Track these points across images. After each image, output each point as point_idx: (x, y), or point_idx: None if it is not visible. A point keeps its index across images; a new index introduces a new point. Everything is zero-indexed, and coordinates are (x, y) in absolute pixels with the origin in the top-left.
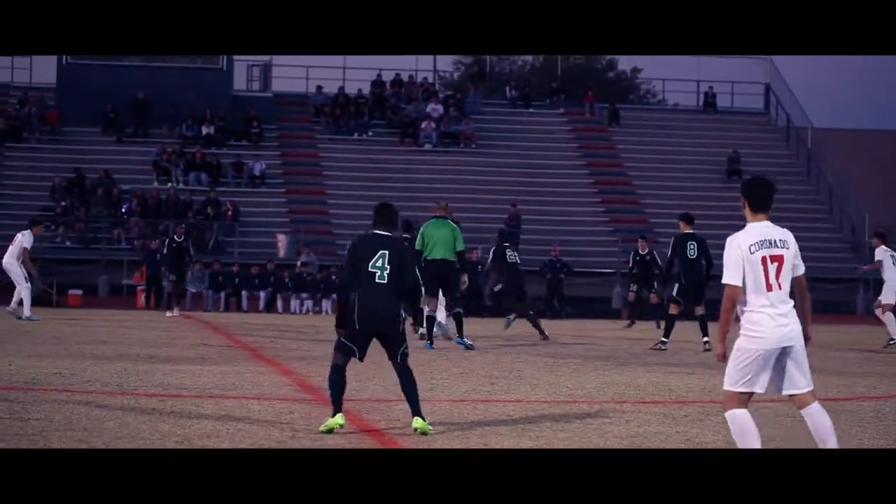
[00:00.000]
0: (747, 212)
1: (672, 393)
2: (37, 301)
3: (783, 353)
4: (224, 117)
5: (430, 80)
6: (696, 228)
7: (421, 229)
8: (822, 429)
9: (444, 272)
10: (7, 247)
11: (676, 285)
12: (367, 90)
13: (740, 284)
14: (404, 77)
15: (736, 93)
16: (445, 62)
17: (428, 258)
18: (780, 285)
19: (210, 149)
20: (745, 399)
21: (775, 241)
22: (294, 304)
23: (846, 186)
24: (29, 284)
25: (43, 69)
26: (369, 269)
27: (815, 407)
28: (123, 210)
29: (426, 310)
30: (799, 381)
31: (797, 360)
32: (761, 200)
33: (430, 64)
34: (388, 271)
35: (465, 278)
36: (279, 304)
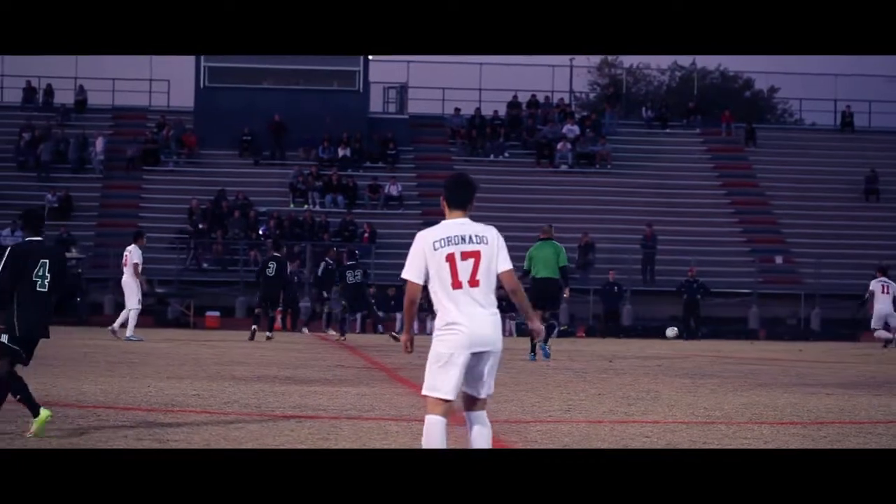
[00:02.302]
0: (445, 209)
1: (811, 414)
2: (175, 323)
3: (477, 358)
4: (360, 139)
5: (566, 100)
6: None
7: (528, 252)
8: (480, 438)
9: (549, 289)
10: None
11: None
12: (502, 112)
13: (419, 281)
14: (540, 98)
15: (873, 112)
16: (581, 83)
17: (535, 277)
18: (473, 283)
19: (346, 171)
20: (447, 408)
21: (469, 237)
22: (430, 324)
23: None
24: (139, 306)
25: (180, 93)
26: (33, 277)
27: (484, 414)
28: (260, 232)
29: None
30: (484, 387)
31: (492, 364)
32: (457, 198)
33: (565, 85)
34: (48, 280)
35: (567, 291)
36: (416, 325)
